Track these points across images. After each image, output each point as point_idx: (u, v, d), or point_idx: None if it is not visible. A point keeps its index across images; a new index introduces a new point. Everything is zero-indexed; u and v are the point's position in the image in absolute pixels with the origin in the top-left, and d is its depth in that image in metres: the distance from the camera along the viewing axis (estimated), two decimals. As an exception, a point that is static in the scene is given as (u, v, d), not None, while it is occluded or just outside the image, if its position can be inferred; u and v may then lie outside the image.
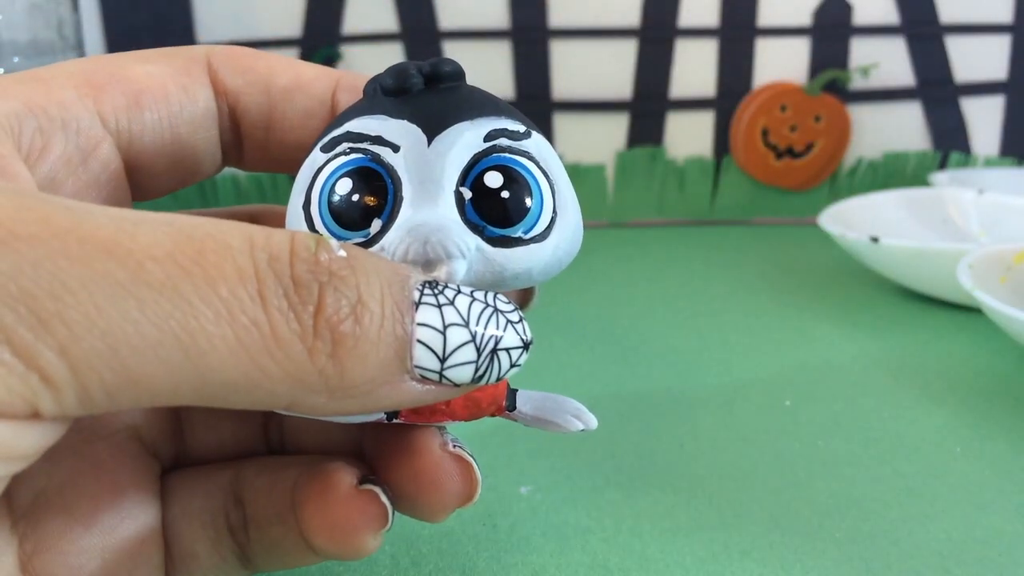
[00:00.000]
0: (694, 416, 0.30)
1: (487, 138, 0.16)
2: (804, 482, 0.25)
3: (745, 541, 0.22)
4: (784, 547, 0.22)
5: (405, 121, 0.16)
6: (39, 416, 0.12)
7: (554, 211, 0.16)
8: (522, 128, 0.16)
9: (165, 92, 0.18)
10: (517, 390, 0.18)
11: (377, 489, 0.17)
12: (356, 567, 0.21)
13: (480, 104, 0.16)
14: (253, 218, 0.21)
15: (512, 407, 0.18)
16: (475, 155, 0.16)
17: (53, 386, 0.11)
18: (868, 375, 0.33)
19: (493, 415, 0.18)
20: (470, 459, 0.18)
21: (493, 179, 0.16)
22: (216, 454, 0.19)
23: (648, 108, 0.59)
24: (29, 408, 0.11)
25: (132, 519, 0.17)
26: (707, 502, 0.24)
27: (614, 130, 0.59)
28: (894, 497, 0.24)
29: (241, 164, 0.20)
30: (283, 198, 0.59)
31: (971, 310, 0.40)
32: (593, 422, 0.18)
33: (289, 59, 0.19)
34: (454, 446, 0.18)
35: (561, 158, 0.17)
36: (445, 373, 0.14)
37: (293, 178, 0.17)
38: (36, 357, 0.11)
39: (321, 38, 0.57)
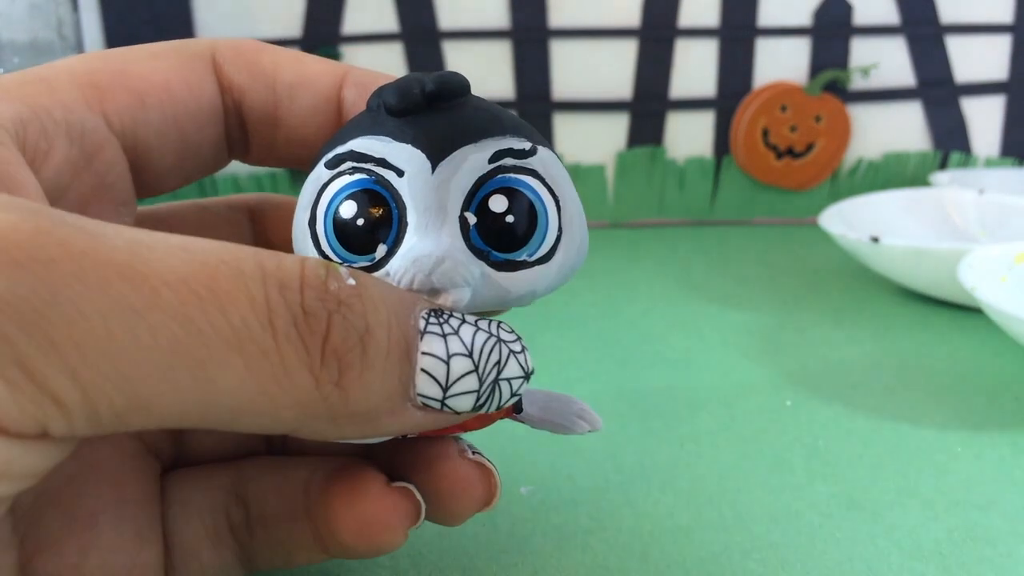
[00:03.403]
0: (694, 416, 0.30)
1: (491, 159, 0.16)
2: (804, 483, 0.25)
3: (746, 541, 0.22)
4: (785, 547, 0.22)
5: (409, 146, 0.16)
6: (48, 436, 0.12)
7: (559, 229, 0.16)
8: (527, 145, 0.16)
9: (170, 89, 0.18)
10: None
11: (410, 485, 0.17)
12: (355, 567, 0.21)
13: (485, 124, 0.16)
14: (252, 208, 0.21)
15: (519, 410, 0.18)
16: (479, 178, 0.16)
17: (63, 408, 0.11)
18: (868, 375, 0.33)
19: (501, 419, 0.18)
20: (490, 465, 0.18)
21: (498, 203, 0.15)
22: (216, 454, 0.19)
23: (648, 108, 0.59)
24: (39, 428, 0.11)
25: (131, 519, 0.17)
26: (707, 502, 0.24)
27: (614, 130, 0.59)
28: (895, 497, 0.24)
29: (247, 159, 0.20)
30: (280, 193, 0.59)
31: (971, 310, 0.40)
32: (598, 422, 0.18)
33: (295, 53, 0.19)
34: (473, 453, 0.18)
35: (561, 158, 0.17)
36: (447, 402, 0.14)
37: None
38: (47, 379, 0.11)
39: (321, 38, 0.57)
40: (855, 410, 0.30)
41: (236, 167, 0.56)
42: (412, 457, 0.18)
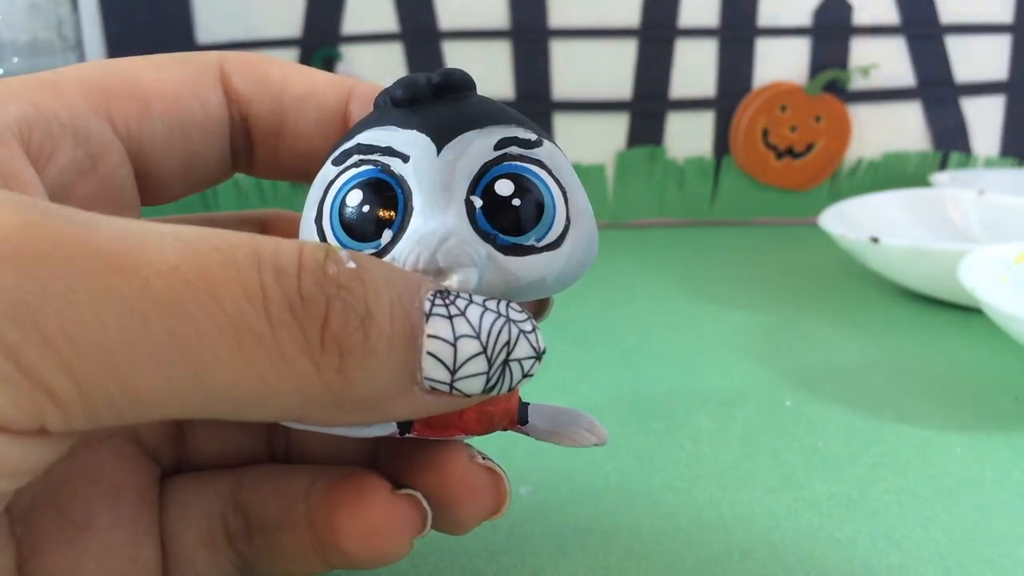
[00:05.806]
0: (694, 417, 0.30)
1: (497, 146, 0.16)
2: (804, 483, 0.25)
3: (745, 542, 0.22)
4: (784, 548, 0.22)
5: (414, 131, 0.16)
6: (46, 432, 0.12)
7: (567, 219, 0.16)
8: (533, 136, 0.16)
9: (176, 98, 0.18)
10: (529, 404, 0.18)
11: (417, 493, 0.17)
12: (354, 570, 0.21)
13: (490, 113, 0.16)
14: (263, 223, 0.21)
15: (524, 421, 0.18)
16: (485, 163, 0.16)
17: (59, 403, 0.11)
18: (868, 375, 0.33)
19: (505, 429, 0.17)
20: (500, 471, 0.18)
21: (504, 187, 0.15)
22: (218, 460, 0.19)
23: (648, 108, 0.59)
24: (35, 424, 0.11)
25: (128, 523, 0.17)
26: (707, 503, 0.24)
27: (614, 130, 0.59)
28: (894, 498, 0.24)
29: (252, 171, 0.20)
30: (283, 201, 0.59)
31: (971, 310, 0.40)
32: (605, 436, 0.18)
33: (303, 68, 0.19)
34: (483, 458, 0.18)
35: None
36: (456, 385, 0.14)
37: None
38: (42, 374, 0.11)
39: (321, 38, 0.57)
40: (855, 410, 0.30)
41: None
42: (419, 462, 0.17)
